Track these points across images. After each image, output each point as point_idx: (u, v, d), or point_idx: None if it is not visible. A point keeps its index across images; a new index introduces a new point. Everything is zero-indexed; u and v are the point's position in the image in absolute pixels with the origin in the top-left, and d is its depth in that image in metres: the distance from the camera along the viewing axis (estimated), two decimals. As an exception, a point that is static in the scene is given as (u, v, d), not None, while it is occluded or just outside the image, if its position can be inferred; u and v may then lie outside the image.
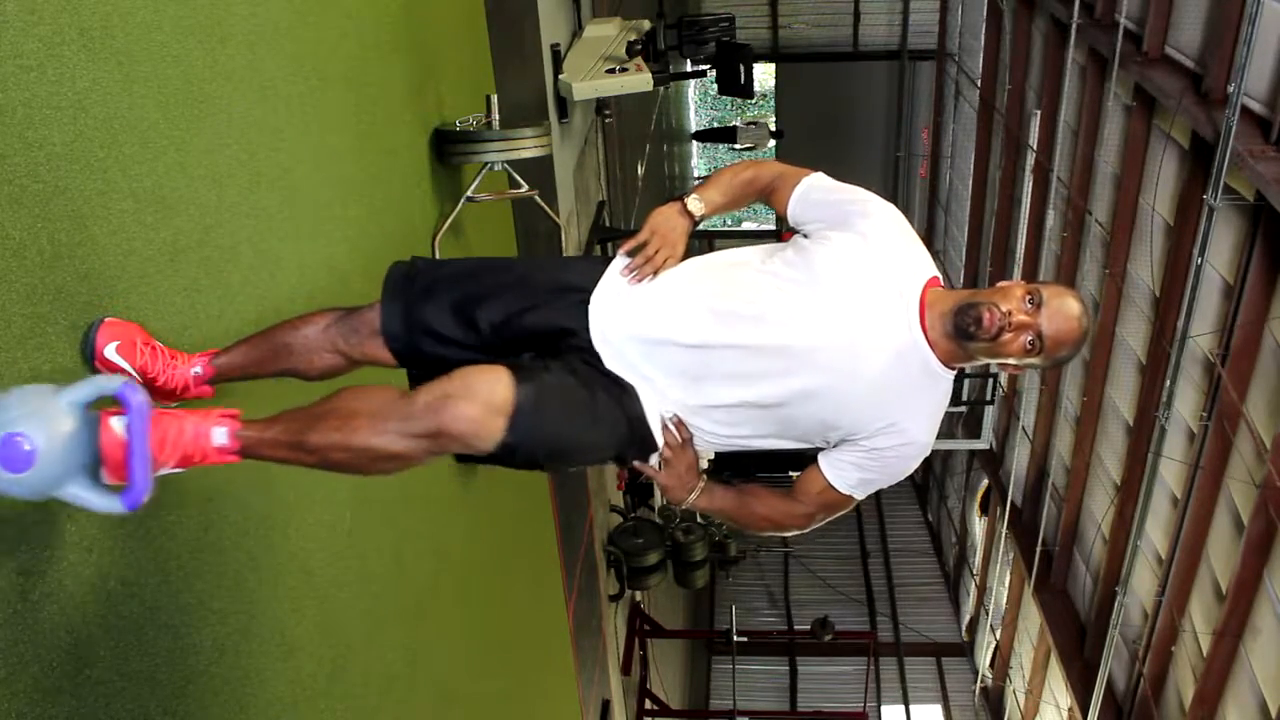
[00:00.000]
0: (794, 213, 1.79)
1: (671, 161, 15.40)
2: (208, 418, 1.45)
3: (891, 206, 1.76)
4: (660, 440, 1.72)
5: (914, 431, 1.69)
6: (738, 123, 11.70)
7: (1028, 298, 1.61)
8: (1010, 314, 1.60)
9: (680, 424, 1.72)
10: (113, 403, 1.34)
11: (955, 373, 1.72)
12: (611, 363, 1.69)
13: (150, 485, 1.32)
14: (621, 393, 1.68)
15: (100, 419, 1.33)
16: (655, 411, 1.70)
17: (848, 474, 1.73)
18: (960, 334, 1.63)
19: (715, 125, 13.91)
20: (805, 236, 1.76)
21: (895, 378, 1.65)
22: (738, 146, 12.27)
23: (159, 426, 1.38)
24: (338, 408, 1.51)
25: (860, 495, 1.77)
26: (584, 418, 1.64)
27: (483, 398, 1.50)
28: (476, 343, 1.73)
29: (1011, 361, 1.65)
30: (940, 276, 1.73)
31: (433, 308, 1.74)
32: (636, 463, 1.76)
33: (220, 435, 1.45)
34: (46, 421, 1.26)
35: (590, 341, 1.70)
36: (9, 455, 1.24)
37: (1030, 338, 1.60)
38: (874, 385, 1.64)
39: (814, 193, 1.78)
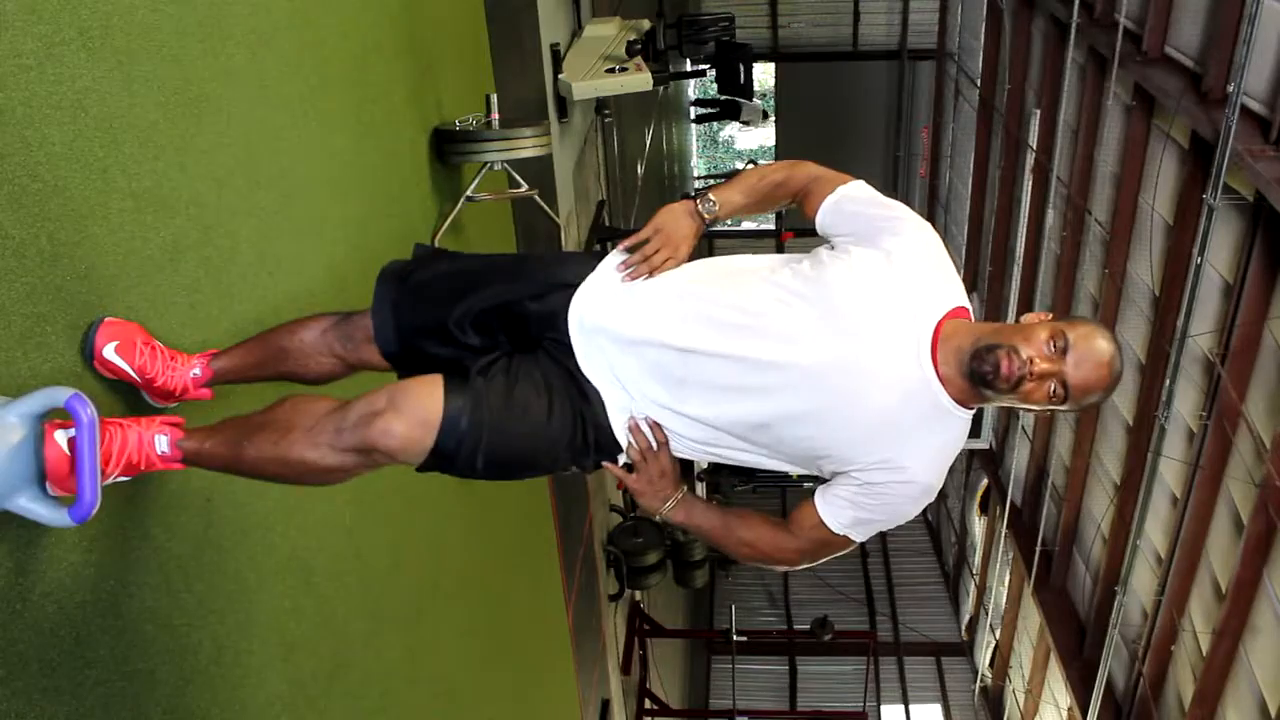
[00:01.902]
0: (823, 221, 1.66)
1: (671, 161, 15.40)
2: (151, 426, 1.46)
3: (928, 226, 1.62)
4: (624, 442, 1.63)
5: (914, 470, 1.54)
6: (741, 101, 11.72)
7: (1052, 341, 1.45)
8: (1032, 361, 1.45)
9: (655, 426, 1.62)
10: (61, 413, 1.34)
11: (972, 412, 1.56)
12: (585, 359, 1.62)
13: (98, 498, 1.31)
14: (584, 400, 1.61)
15: (45, 432, 1.33)
16: (620, 416, 1.62)
17: (842, 512, 1.58)
18: (976, 380, 1.48)
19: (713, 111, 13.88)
20: (830, 249, 1.64)
21: (895, 412, 1.52)
22: (741, 120, 12.21)
23: (105, 438, 1.38)
24: (275, 419, 1.51)
25: (858, 537, 1.61)
26: (527, 426, 1.57)
27: (410, 412, 1.48)
28: (466, 341, 1.69)
29: (1035, 408, 1.51)
30: (969, 307, 1.58)
31: (422, 308, 1.71)
32: (605, 464, 1.66)
33: (162, 443, 1.47)
34: None
35: (568, 334, 1.63)
36: None
37: (1054, 386, 1.46)
38: (871, 419, 1.52)
39: (847, 203, 1.64)
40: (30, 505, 1.29)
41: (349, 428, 1.48)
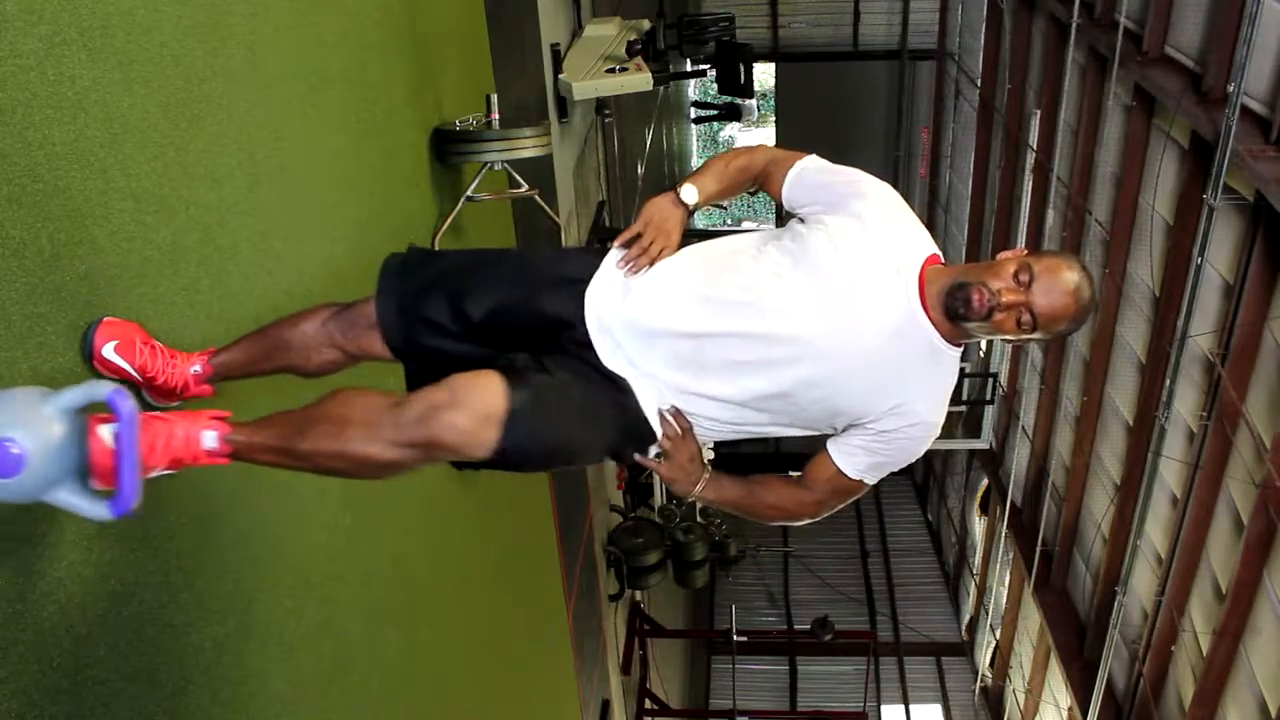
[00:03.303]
0: (789, 195, 1.77)
1: (671, 161, 15.40)
2: (197, 420, 1.45)
3: (887, 186, 1.74)
4: (659, 432, 1.69)
5: (922, 411, 1.67)
6: (740, 101, 11.83)
7: (1018, 274, 1.57)
8: (999, 293, 1.57)
9: (678, 414, 1.69)
10: (103, 407, 1.32)
11: (960, 349, 1.69)
12: (608, 355, 1.67)
13: (139, 492, 1.31)
14: (618, 390, 1.66)
15: (89, 425, 1.32)
16: (653, 405, 1.68)
17: (857, 459, 1.70)
18: (951, 315, 1.61)
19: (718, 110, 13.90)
20: (801, 222, 1.74)
21: (897, 357, 1.63)
22: (742, 124, 12.27)
23: (148, 432, 1.37)
24: (330, 414, 1.50)
25: (871, 480, 1.74)
26: (580, 418, 1.62)
27: (474, 407, 1.49)
28: (473, 335, 1.71)
29: (1010, 338, 1.63)
30: (940, 254, 1.71)
31: (429, 301, 1.72)
32: (638, 456, 1.73)
33: (210, 439, 1.45)
34: (36, 426, 1.25)
35: (587, 334, 1.67)
36: None
37: (1023, 316, 1.57)
38: (876, 367, 1.62)
39: (808, 174, 1.77)
40: (71, 498, 1.29)
41: (410, 423, 1.47)
